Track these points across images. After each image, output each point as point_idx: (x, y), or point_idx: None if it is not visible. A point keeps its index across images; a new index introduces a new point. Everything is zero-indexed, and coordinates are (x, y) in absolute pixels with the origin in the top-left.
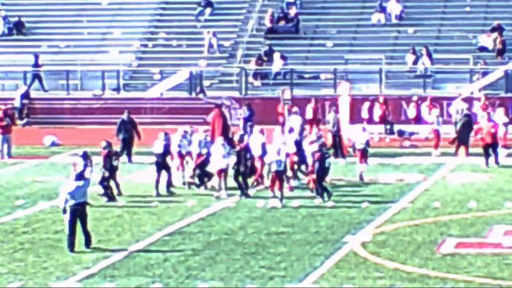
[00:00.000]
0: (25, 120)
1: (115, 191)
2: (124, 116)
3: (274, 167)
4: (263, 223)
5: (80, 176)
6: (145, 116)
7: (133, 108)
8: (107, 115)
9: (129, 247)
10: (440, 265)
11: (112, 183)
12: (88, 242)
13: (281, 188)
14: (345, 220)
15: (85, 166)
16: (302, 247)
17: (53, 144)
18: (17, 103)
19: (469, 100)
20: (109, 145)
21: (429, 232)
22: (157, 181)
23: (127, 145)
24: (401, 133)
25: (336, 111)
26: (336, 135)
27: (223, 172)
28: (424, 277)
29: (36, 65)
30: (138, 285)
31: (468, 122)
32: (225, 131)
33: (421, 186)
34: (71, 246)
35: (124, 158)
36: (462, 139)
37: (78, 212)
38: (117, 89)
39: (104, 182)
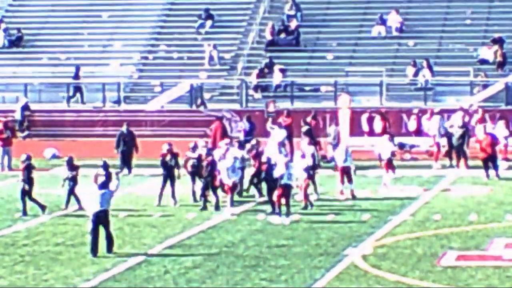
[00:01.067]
0: (25, 133)
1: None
2: (123, 128)
3: (283, 181)
4: (264, 236)
5: (103, 185)
6: (146, 128)
7: (133, 121)
8: (108, 128)
9: (130, 260)
10: (441, 278)
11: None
12: (110, 247)
13: (288, 202)
14: (345, 232)
15: (107, 175)
16: (302, 259)
17: (54, 156)
18: (17, 116)
19: (467, 113)
20: (28, 158)
21: (430, 245)
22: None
23: (126, 158)
24: (401, 145)
25: (336, 124)
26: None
27: (233, 187)
28: None
29: (76, 77)
30: None
31: (465, 134)
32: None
33: (421, 198)
34: (94, 251)
35: (124, 170)
36: (459, 151)
37: (101, 219)
38: (117, 102)
39: (24, 196)
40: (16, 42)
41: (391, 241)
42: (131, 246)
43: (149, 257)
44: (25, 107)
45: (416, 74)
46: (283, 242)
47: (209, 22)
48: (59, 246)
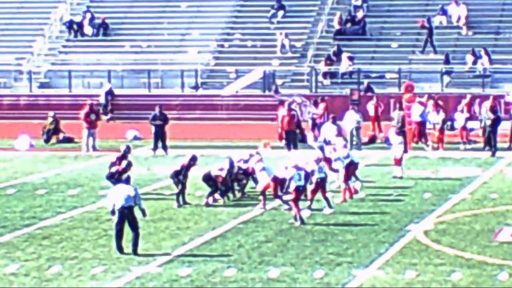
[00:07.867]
0: (109, 116)
1: None
2: (156, 110)
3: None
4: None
5: (127, 180)
6: (221, 112)
7: (210, 105)
8: (186, 111)
9: (206, 234)
10: (497, 253)
11: None
12: (134, 246)
13: (324, 195)
14: (408, 210)
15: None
16: (368, 234)
17: (135, 138)
18: (102, 100)
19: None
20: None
21: (487, 222)
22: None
23: (160, 138)
24: (471, 130)
25: (400, 108)
26: (401, 131)
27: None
28: (482, 263)
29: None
30: (214, 269)
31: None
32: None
33: (479, 179)
34: (119, 248)
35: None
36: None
37: (125, 215)
38: (195, 87)
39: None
40: (101, 30)
41: (451, 218)
42: (208, 222)
43: (224, 232)
44: (109, 92)
45: (475, 62)
46: (349, 218)
47: (281, 12)
48: (140, 222)
